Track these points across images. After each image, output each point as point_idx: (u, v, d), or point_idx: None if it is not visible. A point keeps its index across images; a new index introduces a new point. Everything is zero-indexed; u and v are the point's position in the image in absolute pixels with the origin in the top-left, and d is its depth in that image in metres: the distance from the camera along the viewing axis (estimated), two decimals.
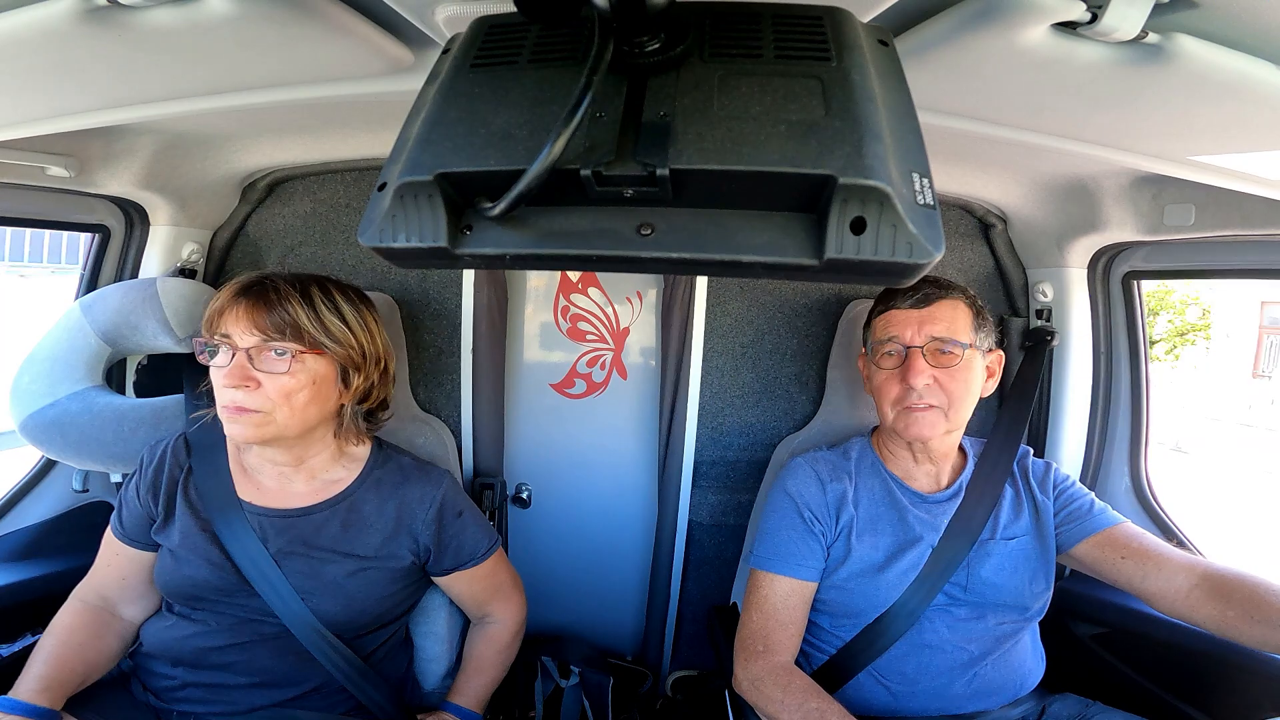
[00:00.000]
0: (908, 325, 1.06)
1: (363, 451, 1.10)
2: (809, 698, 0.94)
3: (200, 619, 1.00)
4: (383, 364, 1.06)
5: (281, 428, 0.95)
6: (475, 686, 1.14)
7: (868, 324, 1.16)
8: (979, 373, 1.08)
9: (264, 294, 0.95)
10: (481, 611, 1.18)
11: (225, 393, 0.94)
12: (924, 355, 1.04)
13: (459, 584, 1.13)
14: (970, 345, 1.05)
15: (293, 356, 0.94)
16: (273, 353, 0.94)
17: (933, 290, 1.07)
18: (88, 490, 1.30)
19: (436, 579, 1.12)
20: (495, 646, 1.17)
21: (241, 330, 0.93)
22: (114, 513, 1.06)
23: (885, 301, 1.12)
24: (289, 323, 0.94)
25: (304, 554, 1.00)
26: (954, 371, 1.05)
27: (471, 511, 1.13)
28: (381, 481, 1.07)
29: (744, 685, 1.02)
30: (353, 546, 1.02)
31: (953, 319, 1.06)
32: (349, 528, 1.03)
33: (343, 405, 1.03)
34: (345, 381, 1.01)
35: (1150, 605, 1.00)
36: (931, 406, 1.04)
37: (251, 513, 1.01)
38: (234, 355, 0.93)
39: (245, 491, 1.03)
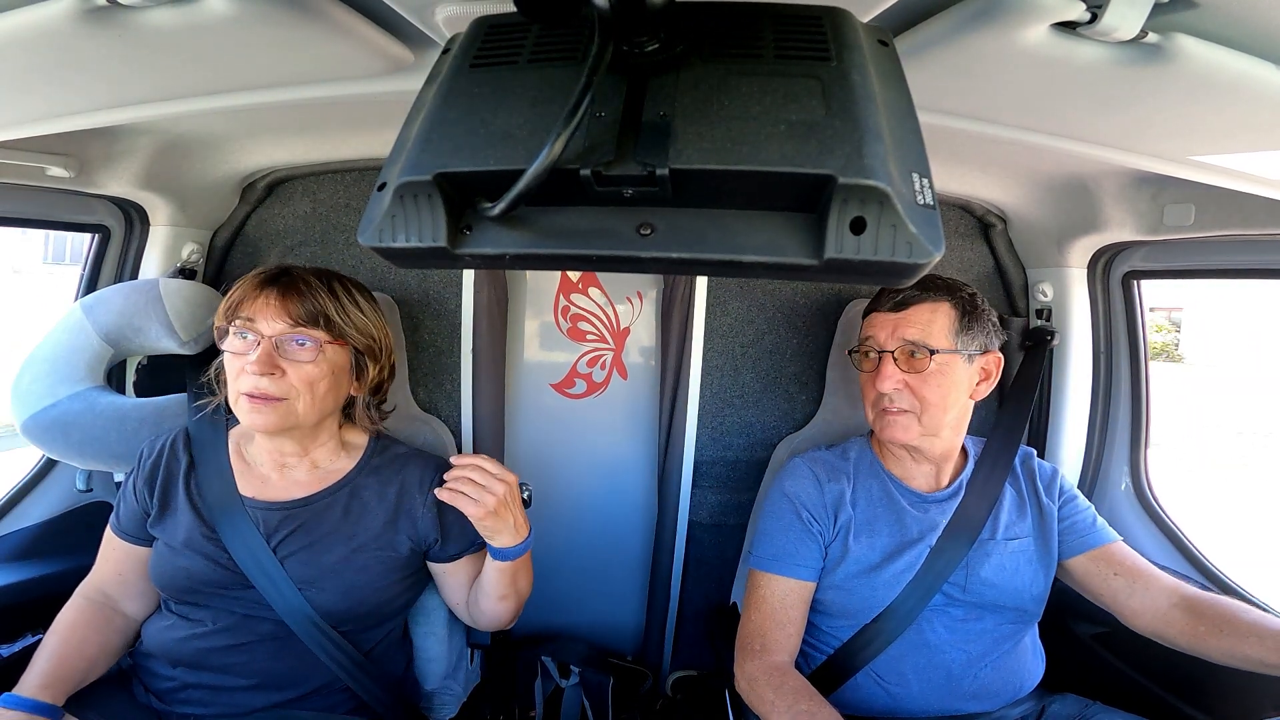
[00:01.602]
0: (883, 327, 1.06)
1: (362, 440, 1.11)
2: (800, 699, 0.94)
3: (197, 617, 1.00)
4: (393, 358, 1.11)
5: (300, 417, 0.97)
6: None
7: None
8: (960, 377, 1.05)
9: (293, 284, 0.97)
10: None
11: (246, 380, 0.94)
12: (895, 359, 1.03)
13: (466, 568, 1.10)
14: (945, 350, 1.03)
15: (318, 346, 0.97)
16: (296, 341, 0.96)
17: (912, 292, 1.05)
18: (91, 490, 1.30)
19: (444, 567, 1.09)
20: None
21: (269, 318, 0.95)
22: (113, 509, 1.07)
23: (874, 301, 1.12)
24: (318, 312, 0.97)
25: (305, 543, 1.00)
26: (925, 376, 1.03)
27: None
28: (381, 468, 1.08)
29: (741, 684, 1.02)
30: (354, 532, 1.02)
31: (929, 322, 1.04)
32: (350, 513, 1.03)
33: (353, 396, 1.06)
34: (357, 373, 1.04)
35: (1128, 622, 1.02)
36: (904, 411, 1.04)
37: (253, 507, 1.02)
38: (259, 343, 0.94)
39: (246, 486, 1.03)
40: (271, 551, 0.99)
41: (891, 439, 1.06)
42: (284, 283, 0.97)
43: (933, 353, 1.03)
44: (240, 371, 0.95)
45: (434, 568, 1.11)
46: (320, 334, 0.97)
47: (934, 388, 1.03)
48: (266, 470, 1.05)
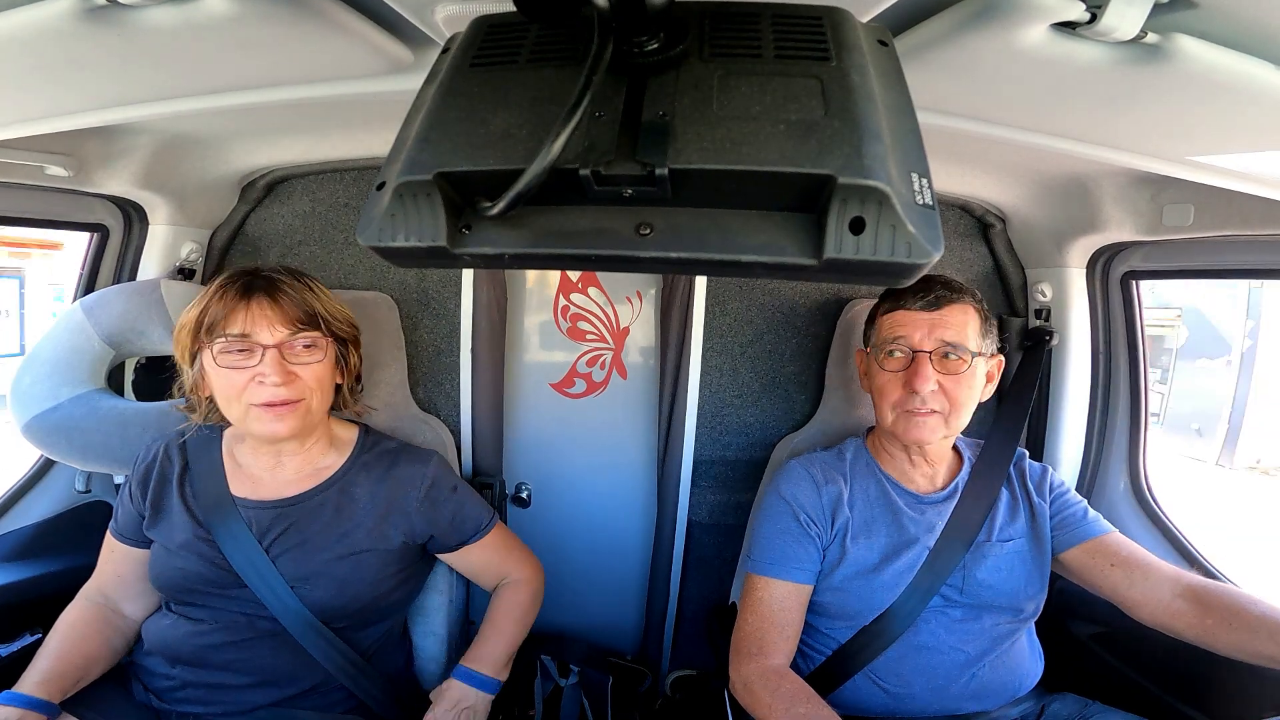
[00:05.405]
0: (917, 327, 1.04)
1: (350, 436, 1.11)
2: (796, 702, 0.94)
3: (196, 616, 1.00)
4: (359, 339, 1.10)
5: (315, 415, 0.99)
6: (493, 649, 1.12)
7: (871, 320, 1.13)
8: (981, 379, 1.06)
9: (275, 288, 0.96)
10: (501, 575, 1.18)
11: (261, 390, 0.94)
12: (931, 360, 1.02)
13: (472, 557, 1.14)
14: (978, 353, 1.04)
15: (317, 344, 0.98)
16: (299, 344, 0.96)
17: (944, 293, 1.05)
18: (90, 490, 1.30)
19: (448, 557, 1.13)
20: (515, 603, 1.16)
21: (265, 327, 0.94)
22: (113, 512, 1.07)
23: (894, 299, 1.08)
24: (311, 312, 0.97)
25: (297, 541, 1.01)
26: (960, 378, 1.03)
27: (465, 486, 1.14)
28: (370, 465, 1.08)
29: (737, 687, 1.02)
30: (345, 529, 1.02)
31: (962, 324, 1.04)
32: (341, 511, 1.03)
33: (339, 385, 1.06)
34: (341, 361, 1.04)
35: (1132, 613, 1.01)
36: (933, 412, 1.03)
37: (245, 507, 1.02)
38: (263, 353, 0.93)
39: (239, 487, 1.04)
40: (264, 551, 0.99)
41: (917, 439, 1.05)
42: (263, 289, 0.95)
43: (973, 355, 1.03)
44: (249, 384, 0.94)
45: (440, 555, 1.14)
46: (317, 332, 0.98)
47: (965, 389, 1.04)
48: (259, 470, 1.05)
